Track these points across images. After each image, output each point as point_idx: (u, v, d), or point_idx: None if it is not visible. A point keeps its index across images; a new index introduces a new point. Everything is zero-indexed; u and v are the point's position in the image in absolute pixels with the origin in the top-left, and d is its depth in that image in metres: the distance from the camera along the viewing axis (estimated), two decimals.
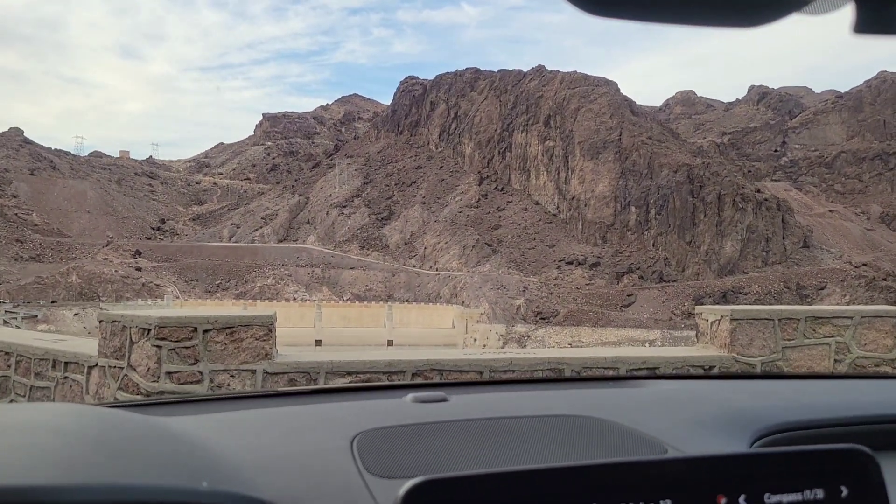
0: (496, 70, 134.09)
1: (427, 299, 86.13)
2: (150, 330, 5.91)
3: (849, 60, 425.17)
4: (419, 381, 6.17)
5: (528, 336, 71.07)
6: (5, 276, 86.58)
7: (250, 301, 78.19)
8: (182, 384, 5.87)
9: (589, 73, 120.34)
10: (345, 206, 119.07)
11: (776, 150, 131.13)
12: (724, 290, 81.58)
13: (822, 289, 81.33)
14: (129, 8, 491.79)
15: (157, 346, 5.87)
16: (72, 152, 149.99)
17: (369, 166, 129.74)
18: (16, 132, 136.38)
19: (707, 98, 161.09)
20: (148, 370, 5.91)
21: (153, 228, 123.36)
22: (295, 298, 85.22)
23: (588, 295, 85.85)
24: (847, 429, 1.86)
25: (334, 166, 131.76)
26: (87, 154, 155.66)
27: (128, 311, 6.57)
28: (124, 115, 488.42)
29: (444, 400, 1.92)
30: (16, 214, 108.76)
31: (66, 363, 6.69)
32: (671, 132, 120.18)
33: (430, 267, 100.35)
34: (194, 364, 5.91)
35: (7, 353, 7.21)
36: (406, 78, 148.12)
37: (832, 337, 7.14)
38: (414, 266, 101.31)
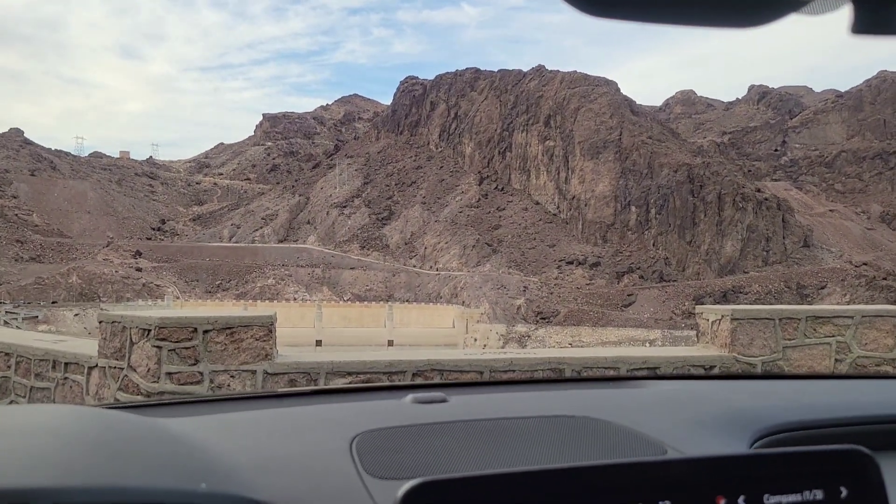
0: (496, 70, 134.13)
1: (427, 299, 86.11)
2: (150, 330, 5.91)
3: (849, 60, 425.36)
4: (419, 381, 6.18)
5: (529, 336, 71.04)
6: (6, 276, 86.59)
7: (251, 301, 78.19)
8: (182, 385, 5.87)
9: (589, 73, 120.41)
10: (345, 207, 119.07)
11: (776, 150, 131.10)
12: (724, 290, 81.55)
13: (822, 288, 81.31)
14: (129, 8, 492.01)
15: (158, 347, 5.87)
16: (72, 153, 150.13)
17: (369, 166, 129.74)
18: (16, 133, 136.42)
19: (707, 98, 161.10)
20: (148, 371, 5.91)
21: (153, 229, 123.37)
22: (295, 299, 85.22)
23: (588, 295, 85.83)
24: (847, 429, 1.86)
25: (334, 166, 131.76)
26: (87, 154, 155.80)
27: (128, 312, 6.56)
28: (124, 115, 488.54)
29: (443, 401, 1.91)
30: (16, 215, 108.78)
31: (66, 364, 6.69)
32: (671, 132, 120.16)
33: (431, 267, 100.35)
34: (194, 365, 5.90)
35: (7, 354, 7.21)
36: (406, 78, 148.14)
37: (833, 336, 7.14)
38: (414, 266, 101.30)
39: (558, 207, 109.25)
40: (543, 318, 78.41)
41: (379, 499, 1.26)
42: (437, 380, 6.23)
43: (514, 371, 6.53)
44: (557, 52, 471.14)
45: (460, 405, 1.89)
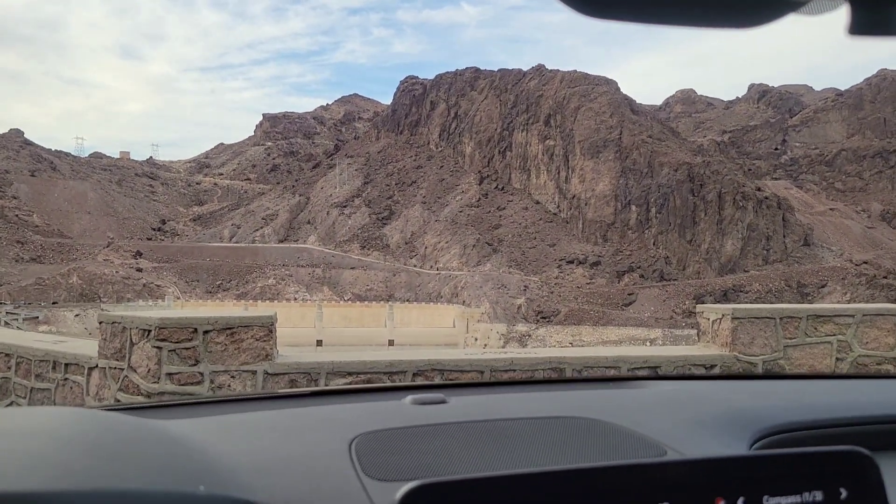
0: (496, 69, 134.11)
1: (428, 299, 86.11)
2: (150, 331, 5.90)
3: (849, 59, 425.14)
4: (420, 381, 6.18)
5: (530, 335, 71.00)
6: (6, 277, 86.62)
7: (251, 301, 78.18)
8: (182, 385, 5.87)
9: (589, 73, 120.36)
10: (345, 206, 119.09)
11: (776, 149, 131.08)
12: (724, 289, 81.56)
13: (822, 287, 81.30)
14: (129, 8, 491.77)
15: (158, 348, 5.87)
16: (72, 153, 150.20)
17: (370, 166, 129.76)
18: (16, 133, 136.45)
19: (707, 96, 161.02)
20: (148, 371, 5.90)
21: (154, 229, 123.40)
22: (296, 299, 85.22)
23: (589, 294, 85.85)
24: (847, 429, 1.85)
25: (334, 166, 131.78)
26: (87, 155, 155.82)
27: (128, 313, 6.56)
28: (124, 115, 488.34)
29: (443, 402, 1.91)
30: (16, 216, 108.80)
31: (66, 365, 6.68)
32: (671, 131, 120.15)
33: (431, 266, 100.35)
34: (195, 365, 5.90)
35: (7, 355, 7.20)
36: (406, 78, 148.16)
37: (834, 335, 7.13)
38: (414, 266, 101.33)
39: (558, 207, 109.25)
40: (544, 318, 78.41)
41: (378, 501, 1.25)
42: (437, 379, 6.24)
43: (514, 371, 6.53)
44: (557, 52, 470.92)
45: (460, 406, 1.89)
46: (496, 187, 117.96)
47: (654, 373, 6.67)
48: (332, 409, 1.98)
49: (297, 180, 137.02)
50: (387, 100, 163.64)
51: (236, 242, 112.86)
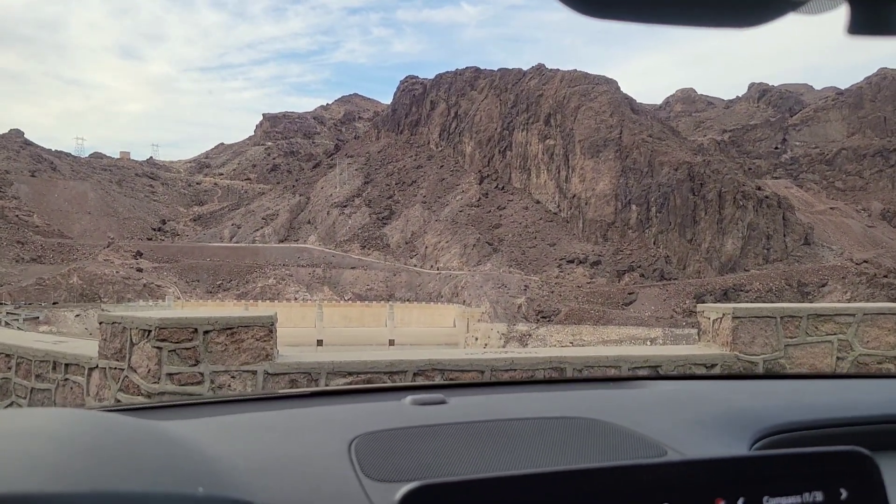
0: (496, 69, 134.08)
1: (428, 298, 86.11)
2: (150, 331, 5.90)
3: (849, 58, 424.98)
4: (421, 380, 6.17)
5: (530, 335, 71.02)
6: (6, 277, 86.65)
7: (251, 301, 78.21)
8: (183, 385, 5.86)
9: (589, 72, 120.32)
10: (345, 206, 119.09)
11: (777, 148, 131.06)
12: (725, 288, 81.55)
13: (823, 286, 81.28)
14: (129, 8, 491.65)
15: (158, 348, 5.86)
16: (72, 153, 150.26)
17: (370, 166, 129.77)
18: (16, 133, 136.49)
19: (707, 96, 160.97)
20: (148, 372, 5.90)
21: (154, 229, 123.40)
22: (296, 298, 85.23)
23: (589, 293, 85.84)
24: (848, 429, 1.85)
25: (335, 166, 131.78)
26: (87, 155, 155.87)
27: (128, 313, 6.55)
28: (124, 115, 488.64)
29: (442, 402, 1.90)
30: (17, 216, 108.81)
31: (66, 365, 6.68)
32: (672, 130, 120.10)
33: (431, 266, 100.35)
34: (195, 365, 5.90)
35: (7, 356, 7.20)
36: (406, 77, 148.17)
37: (835, 334, 7.12)
38: (415, 265, 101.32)
39: (559, 206, 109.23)
40: (544, 317, 78.40)
41: (377, 502, 1.25)
42: (438, 379, 6.23)
43: (515, 370, 6.52)
44: (557, 51, 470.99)
45: (459, 406, 1.89)
46: (496, 187, 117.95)
47: (655, 372, 6.67)
48: (332, 409, 1.98)
49: (297, 180, 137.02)
50: (387, 99, 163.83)
51: (236, 242, 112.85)
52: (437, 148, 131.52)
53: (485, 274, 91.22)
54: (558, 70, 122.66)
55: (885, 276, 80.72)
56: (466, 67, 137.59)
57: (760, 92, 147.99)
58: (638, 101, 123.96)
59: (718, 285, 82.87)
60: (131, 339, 6.00)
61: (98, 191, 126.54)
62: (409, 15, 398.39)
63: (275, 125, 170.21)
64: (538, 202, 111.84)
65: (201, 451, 1.41)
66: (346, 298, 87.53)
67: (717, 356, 7.02)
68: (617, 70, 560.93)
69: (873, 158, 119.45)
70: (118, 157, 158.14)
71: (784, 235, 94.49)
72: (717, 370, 6.87)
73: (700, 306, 7.90)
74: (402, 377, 6.31)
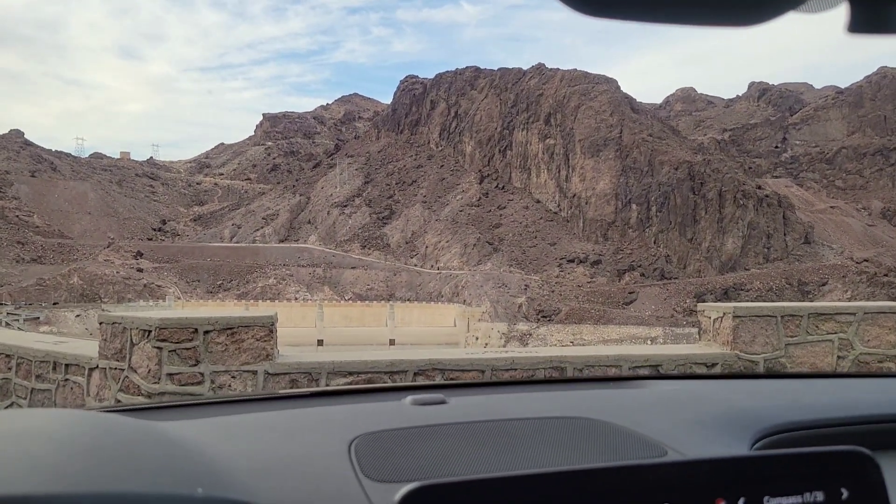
0: (496, 68, 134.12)
1: (428, 298, 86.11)
2: (150, 331, 5.89)
3: (849, 56, 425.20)
4: (421, 380, 6.17)
5: (530, 334, 71.00)
6: (7, 277, 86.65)
7: (252, 301, 78.21)
8: (183, 385, 5.86)
9: (589, 71, 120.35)
10: (346, 206, 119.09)
11: (777, 147, 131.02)
12: (725, 287, 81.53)
13: (823, 285, 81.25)
14: (128, 8, 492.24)
15: (158, 348, 5.86)
16: (72, 154, 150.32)
17: (370, 166, 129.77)
18: (16, 134, 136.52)
19: (707, 95, 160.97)
20: (149, 372, 5.90)
21: (154, 229, 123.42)
22: (296, 298, 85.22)
23: (589, 293, 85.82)
24: (849, 429, 1.85)
25: (335, 166, 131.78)
26: (87, 155, 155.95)
27: (128, 313, 6.55)
28: (124, 115, 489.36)
29: (443, 402, 1.90)
30: (17, 216, 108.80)
31: (66, 365, 6.68)
32: (672, 129, 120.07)
33: (432, 266, 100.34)
34: (195, 365, 5.89)
35: (8, 356, 7.20)
36: (406, 77, 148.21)
37: (835, 333, 7.11)
38: (415, 265, 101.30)
39: (559, 206, 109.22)
40: (545, 317, 78.39)
41: (377, 502, 1.24)
42: (438, 379, 6.23)
43: (515, 370, 6.52)
44: (557, 50, 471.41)
45: (460, 406, 1.88)
46: (496, 186, 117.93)
47: (656, 371, 6.66)
48: (332, 409, 1.97)
49: (297, 180, 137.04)
50: (387, 99, 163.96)
51: (237, 242, 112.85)
52: (437, 147, 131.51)
53: (485, 273, 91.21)
54: (558, 69, 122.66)
55: (886, 275, 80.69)
56: (466, 67, 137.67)
57: (760, 91, 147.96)
58: (638, 101, 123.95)
59: (719, 284, 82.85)
60: (131, 340, 6.00)
61: (98, 191, 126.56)
62: (408, 14, 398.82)
63: (275, 125, 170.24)
64: (538, 202, 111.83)
65: (201, 451, 1.41)
66: (346, 298, 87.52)
67: (718, 355, 7.01)
68: (617, 69, 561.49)
69: (873, 157, 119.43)
70: (118, 157, 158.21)
71: (784, 234, 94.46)
72: (717, 369, 6.86)
73: (700, 305, 7.88)
74: (403, 377, 6.30)
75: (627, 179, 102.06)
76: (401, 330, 69.41)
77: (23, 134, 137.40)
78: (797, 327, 7.05)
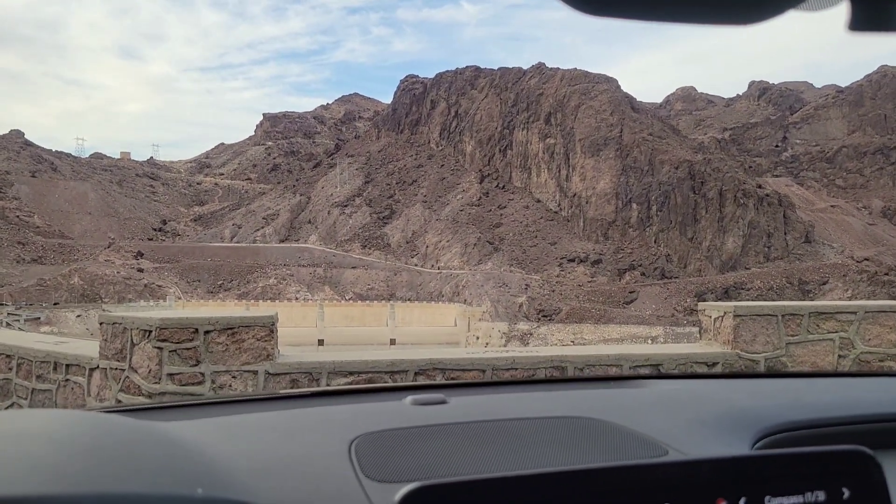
0: (496, 68, 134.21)
1: (429, 298, 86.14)
2: (150, 331, 5.89)
3: (849, 55, 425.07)
4: (422, 380, 6.17)
5: (531, 334, 71.00)
6: (7, 278, 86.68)
7: (252, 301, 78.24)
8: (184, 385, 5.85)
9: (589, 70, 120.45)
10: (346, 206, 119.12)
11: (777, 146, 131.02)
12: (726, 286, 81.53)
13: (824, 284, 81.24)
14: (128, 9, 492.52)
15: (159, 348, 5.85)
16: (73, 154, 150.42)
17: (370, 165, 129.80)
18: (17, 134, 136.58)
19: (707, 94, 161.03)
20: (149, 372, 5.89)
21: (155, 229, 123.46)
22: (297, 298, 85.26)
23: (590, 292, 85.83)
24: (850, 428, 1.84)
25: (335, 166, 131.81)
26: (87, 155, 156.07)
27: (129, 313, 6.55)
28: (125, 116, 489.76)
29: (443, 402, 1.90)
30: (17, 217, 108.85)
31: (67, 365, 6.67)
32: (672, 128, 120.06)
33: (432, 265, 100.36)
34: (196, 365, 5.89)
35: (8, 356, 7.20)
36: (406, 76, 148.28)
37: (836, 332, 7.10)
38: (416, 265, 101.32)
39: (559, 205, 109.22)
40: (545, 316, 78.40)
41: (378, 502, 1.24)
42: (439, 378, 6.23)
43: (516, 369, 6.51)
44: (557, 50, 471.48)
45: (460, 406, 1.88)
46: (497, 186, 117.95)
47: (656, 371, 6.66)
48: (332, 409, 1.97)
49: (297, 180, 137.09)
50: (387, 99, 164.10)
51: (237, 242, 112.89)
52: (437, 147, 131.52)
53: (486, 273, 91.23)
54: (558, 69, 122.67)
55: (886, 274, 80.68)
56: (466, 66, 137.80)
57: (761, 90, 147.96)
58: (638, 100, 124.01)
59: (719, 283, 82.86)
60: (132, 340, 6.00)
61: (99, 191, 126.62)
62: (409, 14, 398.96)
63: (275, 125, 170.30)
64: (539, 201, 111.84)
65: (201, 451, 1.41)
66: (347, 298, 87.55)
67: (719, 354, 7.00)
68: (617, 69, 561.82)
69: (874, 156, 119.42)
70: (118, 157, 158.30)
71: (785, 233, 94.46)
72: (718, 368, 6.86)
73: (701, 305, 7.87)
74: (404, 377, 6.30)
75: (628, 179, 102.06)
76: (401, 330, 69.46)
77: (23, 134, 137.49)
78: (798, 326, 7.04)
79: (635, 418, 1.78)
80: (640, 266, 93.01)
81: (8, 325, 61.72)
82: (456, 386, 2.86)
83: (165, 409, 2.00)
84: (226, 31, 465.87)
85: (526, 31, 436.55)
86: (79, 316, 70.81)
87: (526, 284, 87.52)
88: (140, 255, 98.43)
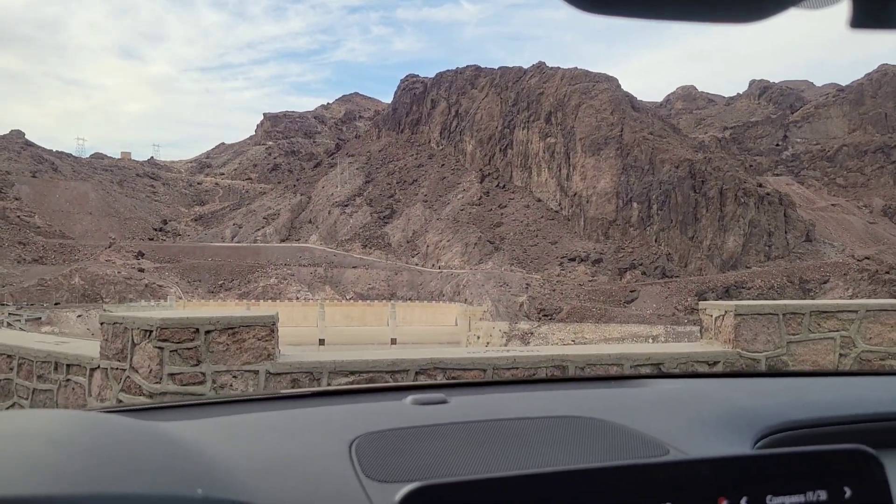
0: (497, 67, 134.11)
1: (430, 297, 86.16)
2: (151, 331, 5.89)
3: (850, 54, 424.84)
4: (422, 379, 6.17)
5: (532, 333, 71.02)
6: (8, 278, 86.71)
7: (253, 301, 78.28)
8: (184, 385, 5.86)
9: (590, 69, 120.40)
10: (346, 205, 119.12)
11: (778, 145, 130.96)
12: (726, 285, 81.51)
13: (825, 283, 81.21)
14: (128, 8, 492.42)
15: (159, 348, 5.86)
16: (73, 154, 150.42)
17: (371, 165, 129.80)
18: (17, 134, 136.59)
19: (708, 93, 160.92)
20: (150, 372, 5.89)
21: (155, 229, 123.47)
22: (298, 298, 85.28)
23: (591, 291, 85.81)
24: (851, 427, 1.84)
25: (336, 165, 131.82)
26: (88, 156, 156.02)
27: (130, 313, 6.55)
28: (125, 116, 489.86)
29: (444, 401, 1.89)
30: (18, 217, 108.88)
31: (68, 366, 6.68)
32: (672, 127, 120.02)
33: (433, 265, 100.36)
34: (196, 365, 5.89)
35: (9, 356, 7.20)
36: (406, 76, 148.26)
37: (837, 331, 7.09)
38: (416, 264, 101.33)
39: (560, 204, 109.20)
40: (546, 315, 78.40)
41: (378, 502, 1.24)
42: (440, 378, 6.23)
43: (517, 369, 6.51)
44: (558, 49, 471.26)
45: (461, 406, 1.87)
46: (497, 185, 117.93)
47: (657, 370, 6.66)
48: (333, 409, 1.96)
49: (298, 179, 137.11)
50: (387, 98, 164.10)
51: (238, 242, 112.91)
52: (437, 147, 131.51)
53: (486, 272, 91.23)
54: (559, 68, 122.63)
55: (887, 273, 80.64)
56: (467, 66, 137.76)
57: (761, 89, 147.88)
58: (639, 99, 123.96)
59: (720, 282, 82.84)
60: (133, 340, 6.00)
61: (99, 191, 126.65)
62: (409, 13, 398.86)
63: (275, 125, 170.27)
64: (539, 200, 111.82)
65: (201, 451, 1.41)
66: (347, 298, 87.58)
67: (720, 353, 7.00)
68: (617, 68, 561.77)
69: (874, 155, 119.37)
70: (119, 157, 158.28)
71: (785, 232, 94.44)
72: (719, 367, 6.85)
73: (702, 304, 7.87)
74: (404, 376, 6.30)
75: (628, 178, 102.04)
76: (402, 329, 69.51)
77: (24, 134, 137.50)
78: (799, 325, 7.04)
79: (636, 418, 1.77)
80: (640, 265, 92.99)
81: (9, 325, 61.77)
82: (457, 385, 2.85)
83: (166, 409, 2.00)
84: (226, 31, 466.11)
85: (526, 31, 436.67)
86: (80, 316, 70.86)
87: (527, 284, 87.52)
88: (141, 255, 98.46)
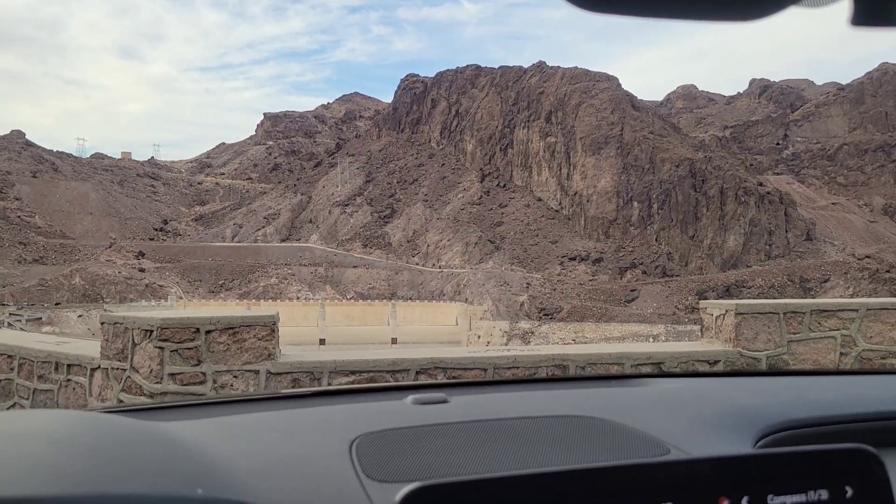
0: (497, 66, 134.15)
1: (430, 297, 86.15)
2: (152, 331, 5.89)
3: (850, 52, 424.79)
4: (423, 379, 6.16)
5: (532, 332, 71.03)
6: (9, 278, 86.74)
7: (254, 301, 78.27)
8: (185, 385, 5.85)
9: (590, 69, 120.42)
10: (347, 205, 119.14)
11: (778, 144, 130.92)
12: (727, 284, 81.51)
13: (825, 281, 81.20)
14: (129, 9, 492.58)
15: (160, 348, 5.85)
16: (73, 154, 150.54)
17: (371, 164, 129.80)
18: (17, 135, 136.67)
19: (708, 92, 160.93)
20: (151, 372, 5.89)
21: (156, 229, 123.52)
22: (298, 298, 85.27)
23: (591, 290, 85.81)
24: (853, 426, 1.83)
25: (336, 165, 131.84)
26: (88, 156, 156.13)
27: (130, 313, 6.54)
28: (125, 116, 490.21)
29: (444, 401, 1.89)
30: (19, 217, 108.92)
31: (68, 366, 6.67)
32: (673, 126, 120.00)
33: (433, 264, 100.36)
34: (197, 365, 5.88)
35: (10, 356, 7.20)
36: (407, 76, 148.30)
37: (838, 330, 7.08)
38: (417, 264, 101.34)
39: (560, 203, 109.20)
40: (547, 315, 78.40)
41: (378, 502, 1.24)
42: (440, 377, 6.22)
43: (517, 368, 6.50)
44: (558, 48, 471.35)
45: (461, 406, 1.87)
46: (498, 185, 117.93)
47: (658, 369, 6.65)
48: (333, 409, 1.96)
49: (298, 179, 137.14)
50: (388, 98, 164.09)
51: (238, 242, 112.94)
52: (438, 146, 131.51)
53: (487, 272, 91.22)
54: (559, 67, 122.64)
55: (888, 272, 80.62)
56: (467, 65, 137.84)
57: (762, 88, 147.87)
58: (639, 98, 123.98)
59: (721, 281, 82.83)
60: (133, 340, 5.99)
61: (100, 191, 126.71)
62: (409, 13, 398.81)
63: (276, 124, 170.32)
64: (540, 200, 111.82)
65: (202, 451, 1.41)
66: (348, 297, 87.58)
67: (720, 353, 6.99)
68: (618, 67, 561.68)
69: (875, 154, 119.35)
70: (119, 157, 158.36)
71: (786, 231, 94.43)
72: (720, 366, 6.85)
73: (703, 303, 7.86)
74: (405, 376, 6.29)
75: (629, 177, 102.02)
76: (403, 329, 69.49)
77: (24, 134, 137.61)
78: (799, 324, 7.03)
79: (637, 417, 1.77)
80: (641, 264, 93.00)
81: (10, 325, 61.78)
82: (457, 385, 2.85)
83: (166, 409, 2.00)
84: (226, 31, 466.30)
85: (526, 30, 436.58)
86: (80, 316, 70.88)
87: (527, 283, 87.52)
88: (141, 254, 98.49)
